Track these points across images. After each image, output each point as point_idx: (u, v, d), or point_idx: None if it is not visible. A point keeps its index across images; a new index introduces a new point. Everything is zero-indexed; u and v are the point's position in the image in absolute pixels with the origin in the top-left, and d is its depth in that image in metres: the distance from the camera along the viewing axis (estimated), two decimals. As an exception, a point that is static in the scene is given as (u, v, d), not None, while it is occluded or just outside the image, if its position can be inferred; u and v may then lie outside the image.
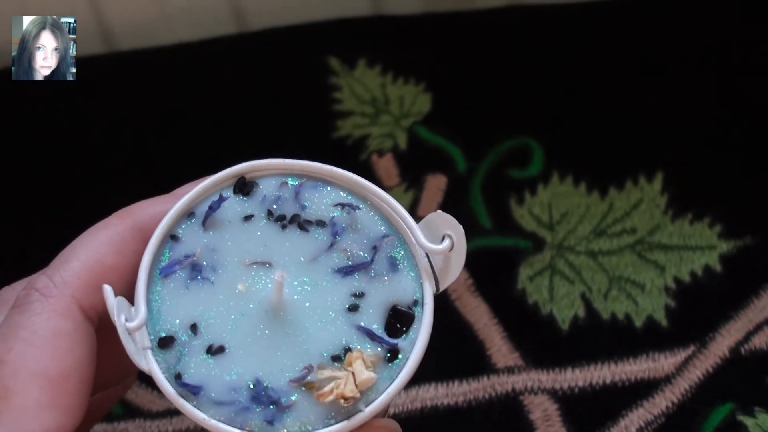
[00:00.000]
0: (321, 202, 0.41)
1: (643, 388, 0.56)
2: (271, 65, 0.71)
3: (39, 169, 0.68)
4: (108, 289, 0.37)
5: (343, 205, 0.41)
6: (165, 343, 0.38)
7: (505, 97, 0.69)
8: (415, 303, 0.40)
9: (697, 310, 0.58)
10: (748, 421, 0.54)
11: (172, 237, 0.40)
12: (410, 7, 0.75)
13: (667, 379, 0.56)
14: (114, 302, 0.37)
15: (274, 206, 0.41)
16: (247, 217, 0.40)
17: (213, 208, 0.40)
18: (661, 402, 0.55)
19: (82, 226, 0.41)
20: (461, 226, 0.40)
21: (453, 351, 0.58)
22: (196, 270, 0.39)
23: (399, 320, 0.39)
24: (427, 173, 0.65)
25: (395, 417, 0.56)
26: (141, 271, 0.39)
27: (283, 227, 0.40)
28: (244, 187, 0.41)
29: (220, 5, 0.74)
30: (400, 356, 0.38)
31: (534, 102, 0.68)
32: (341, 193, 0.41)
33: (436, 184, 0.64)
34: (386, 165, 0.66)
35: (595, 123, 0.67)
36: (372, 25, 0.73)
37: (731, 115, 0.66)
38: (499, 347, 0.58)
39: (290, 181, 0.41)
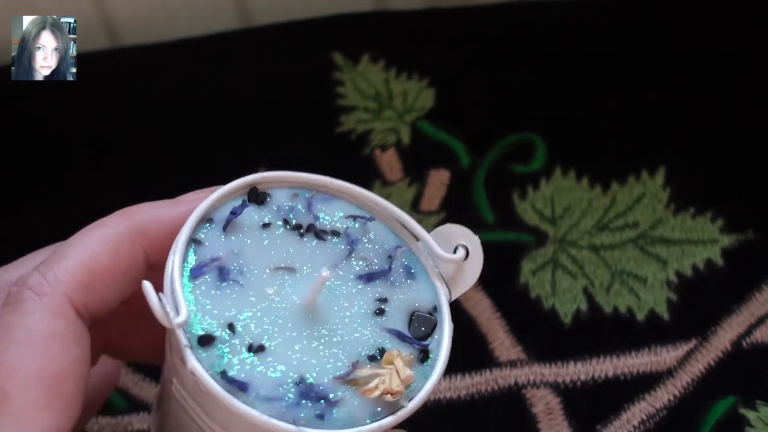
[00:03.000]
0: (333, 214, 0.42)
1: (645, 382, 0.56)
2: (274, 60, 0.72)
3: (39, 164, 0.68)
4: (148, 286, 0.36)
5: (354, 217, 0.42)
6: (205, 341, 0.37)
7: (508, 92, 0.69)
8: (435, 309, 0.41)
9: (699, 303, 0.58)
10: (750, 415, 0.54)
11: (194, 241, 0.39)
12: (414, 2, 0.75)
13: (669, 373, 0.56)
14: (156, 299, 0.36)
15: (291, 215, 0.41)
16: (265, 225, 0.40)
17: (235, 213, 0.40)
18: (663, 395, 0.55)
19: (82, 223, 0.41)
20: (477, 237, 0.42)
21: (456, 345, 0.57)
22: (223, 273, 0.39)
23: (423, 325, 0.40)
24: (430, 168, 0.65)
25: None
26: (174, 271, 0.38)
27: (301, 235, 0.41)
28: (257, 196, 0.41)
29: (223, 0, 0.74)
30: (430, 356, 0.40)
31: (537, 97, 0.68)
32: (350, 205, 0.42)
33: (439, 179, 0.64)
34: (389, 160, 0.66)
35: (598, 118, 0.67)
36: (376, 20, 0.74)
37: (733, 110, 0.66)
38: (501, 341, 0.58)
39: (301, 193, 0.42)
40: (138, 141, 0.69)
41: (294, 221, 0.41)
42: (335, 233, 0.41)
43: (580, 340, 0.58)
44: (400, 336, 0.40)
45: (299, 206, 0.41)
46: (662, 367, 0.56)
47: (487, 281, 0.60)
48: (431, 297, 0.41)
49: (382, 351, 0.39)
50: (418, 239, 0.42)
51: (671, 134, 0.65)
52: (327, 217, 0.41)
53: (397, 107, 0.68)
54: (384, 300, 0.40)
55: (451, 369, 0.57)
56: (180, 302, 0.37)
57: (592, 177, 0.64)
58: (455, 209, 0.63)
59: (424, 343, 0.40)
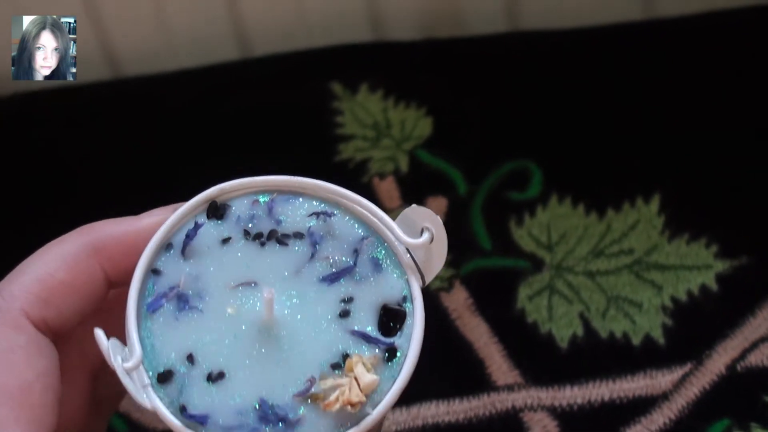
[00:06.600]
0: (296, 214, 0.40)
1: (641, 405, 0.56)
2: (273, 90, 0.72)
3: (40, 193, 0.68)
4: (100, 333, 0.36)
5: (317, 214, 0.40)
6: (164, 377, 0.37)
7: (504, 120, 0.70)
8: (404, 299, 0.39)
9: (693, 328, 0.59)
10: (745, 437, 0.54)
11: (153, 271, 0.39)
12: (411, 33, 0.76)
13: (665, 396, 0.56)
14: (107, 345, 0.36)
15: (250, 225, 0.40)
16: (225, 240, 0.40)
17: (190, 237, 0.39)
18: (659, 419, 0.56)
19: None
20: (438, 217, 0.40)
21: (453, 369, 0.58)
22: (182, 300, 0.38)
23: (391, 319, 0.39)
24: (428, 196, 0.66)
25: (397, 434, 0.56)
26: (129, 309, 0.38)
27: (262, 245, 0.40)
28: (216, 211, 0.40)
29: (224, 31, 0.75)
30: (398, 354, 0.38)
31: (533, 125, 0.69)
32: (314, 202, 0.41)
33: (437, 207, 0.65)
34: (388, 188, 0.66)
35: (593, 146, 0.67)
36: (374, 50, 0.74)
37: (727, 138, 0.67)
38: (499, 365, 0.58)
39: (261, 199, 0.40)
40: (138, 170, 0.69)
41: (254, 231, 0.40)
42: (298, 235, 0.40)
43: (576, 365, 0.58)
44: (364, 337, 0.38)
45: (260, 213, 0.40)
46: (658, 390, 0.57)
47: (484, 306, 0.61)
48: (400, 287, 0.39)
49: (345, 357, 0.38)
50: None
51: (666, 161, 0.66)
52: (289, 220, 0.40)
53: (395, 136, 0.69)
54: (349, 300, 0.39)
55: (449, 393, 0.57)
56: (133, 345, 0.37)
57: (587, 204, 0.64)
58: (452, 236, 0.63)
59: (389, 340, 0.38)
